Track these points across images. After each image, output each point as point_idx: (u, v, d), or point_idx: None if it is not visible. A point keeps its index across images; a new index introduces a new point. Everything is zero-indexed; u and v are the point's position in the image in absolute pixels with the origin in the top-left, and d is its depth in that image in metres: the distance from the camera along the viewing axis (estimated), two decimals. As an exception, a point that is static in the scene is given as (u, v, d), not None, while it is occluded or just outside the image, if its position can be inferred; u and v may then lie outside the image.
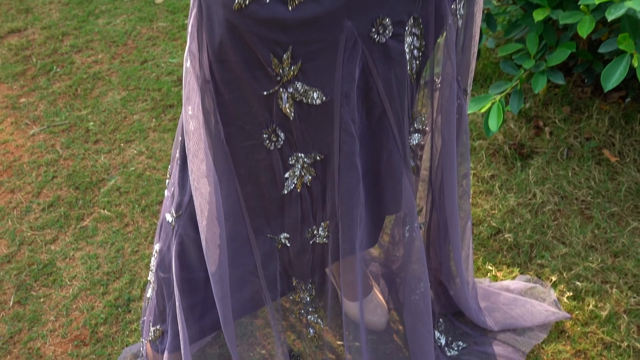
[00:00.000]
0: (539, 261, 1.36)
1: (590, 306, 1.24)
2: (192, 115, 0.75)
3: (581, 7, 1.26)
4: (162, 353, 0.99)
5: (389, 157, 0.82)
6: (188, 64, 0.70)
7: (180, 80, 2.12)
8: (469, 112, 1.44)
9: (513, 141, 1.69)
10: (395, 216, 1.05)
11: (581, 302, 1.26)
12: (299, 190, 0.80)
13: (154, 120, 1.93)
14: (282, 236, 0.86)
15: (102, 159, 1.78)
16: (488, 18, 1.44)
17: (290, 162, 0.77)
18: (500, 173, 1.60)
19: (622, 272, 1.32)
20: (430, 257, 1.15)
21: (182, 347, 0.90)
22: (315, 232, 0.87)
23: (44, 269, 1.44)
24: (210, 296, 0.89)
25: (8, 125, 1.95)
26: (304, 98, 0.70)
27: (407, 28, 0.71)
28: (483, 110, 1.38)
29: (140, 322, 1.14)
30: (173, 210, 0.87)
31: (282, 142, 0.75)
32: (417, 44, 0.75)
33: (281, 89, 0.69)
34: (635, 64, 1.18)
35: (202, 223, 0.81)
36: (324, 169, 0.79)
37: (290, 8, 0.61)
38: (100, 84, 2.13)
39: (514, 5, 1.55)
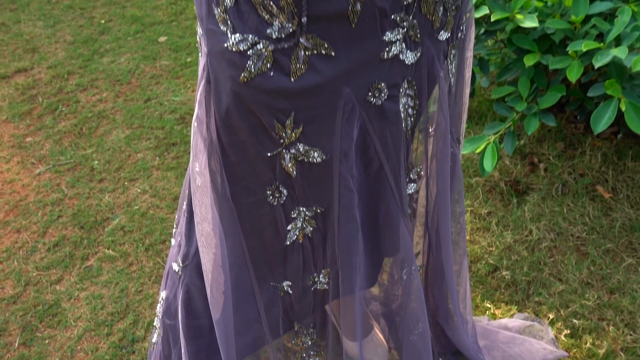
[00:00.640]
0: (537, 299, 1.39)
1: (588, 344, 1.27)
2: (199, 172, 0.79)
3: (570, 52, 1.32)
4: (168, 397, 1.00)
5: (386, 208, 0.86)
6: (196, 126, 0.74)
7: (182, 118, 2.17)
8: (464, 152, 1.49)
9: (509, 178, 1.73)
10: (393, 258, 1.08)
11: (578, 340, 1.28)
12: (300, 241, 0.84)
13: (157, 158, 1.97)
14: (284, 284, 0.90)
15: (107, 197, 1.81)
16: (481, 62, 1.49)
17: (293, 216, 0.81)
18: (496, 210, 1.64)
19: (618, 309, 1.34)
20: (428, 298, 1.18)
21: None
22: (316, 279, 0.90)
23: (49, 309, 1.46)
24: (215, 342, 0.92)
25: (14, 164, 2.00)
26: (305, 157, 0.74)
27: (401, 90, 0.76)
28: (478, 150, 1.42)
29: (145, 365, 1.16)
30: (180, 260, 0.90)
31: (284, 198, 0.78)
32: (412, 104, 0.79)
33: (284, 151, 0.73)
34: (623, 108, 1.23)
35: (207, 273, 0.84)
36: (324, 221, 0.82)
37: (292, 79, 0.66)
38: (104, 123, 2.18)
39: (505, 48, 1.61)
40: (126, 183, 1.87)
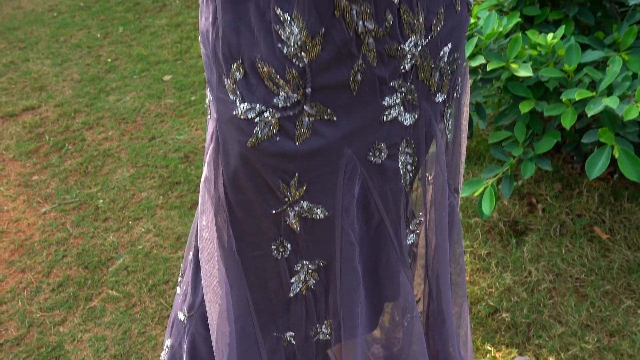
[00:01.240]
0: (537, 341, 1.40)
1: (588, 388, 1.27)
2: (206, 226, 0.81)
3: (564, 100, 1.36)
4: None
5: (387, 259, 0.89)
6: (204, 185, 0.78)
7: (186, 157, 2.21)
8: (463, 194, 1.52)
9: (507, 218, 1.75)
10: (393, 302, 1.10)
11: (579, 384, 1.29)
12: (303, 293, 0.86)
13: (161, 197, 2.00)
14: (287, 334, 0.92)
15: (111, 237, 1.84)
16: (478, 107, 1.54)
17: (296, 269, 0.84)
18: (496, 250, 1.66)
19: (618, 352, 1.35)
20: (429, 343, 1.19)
21: None
22: (318, 329, 0.92)
23: (53, 352, 1.47)
24: (219, 390, 0.93)
25: (21, 203, 2.03)
26: (308, 214, 0.77)
27: (400, 149, 0.79)
28: (476, 194, 1.45)
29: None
30: (185, 309, 0.92)
31: (288, 252, 0.81)
32: (410, 160, 0.82)
33: (288, 208, 0.76)
34: (616, 155, 1.26)
35: (213, 323, 0.86)
36: (326, 274, 0.85)
37: (297, 143, 0.69)
38: (110, 161, 2.22)
39: (501, 93, 1.65)
40: (130, 222, 1.90)
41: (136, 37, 3.31)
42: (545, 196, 1.80)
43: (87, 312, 1.58)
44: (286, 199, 0.75)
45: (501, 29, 1.42)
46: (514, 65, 1.37)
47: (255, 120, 0.68)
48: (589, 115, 1.24)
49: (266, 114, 0.68)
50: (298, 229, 0.78)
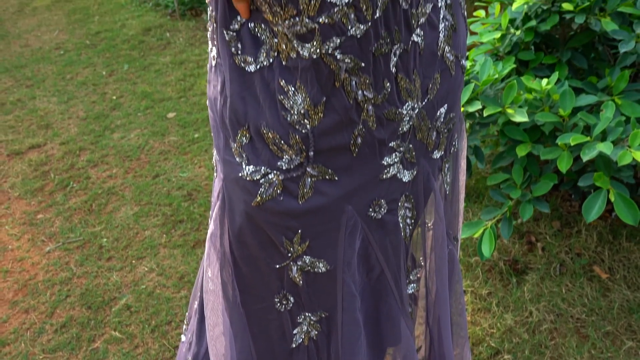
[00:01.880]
0: (539, 384, 1.40)
1: None
2: (211, 277, 0.84)
3: (559, 144, 1.39)
4: None
5: (388, 310, 0.90)
6: (210, 240, 0.81)
7: (189, 195, 2.24)
8: (462, 236, 1.54)
9: (507, 257, 1.77)
10: (394, 347, 1.11)
11: None
12: (306, 344, 0.88)
13: (164, 236, 2.02)
14: (290, 384, 0.93)
15: (114, 276, 1.85)
16: (476, 151, 1.57)
17: (299, 320, 0.85)
18: (496, 290, 1.67)
19: (621, 395, 1.35)
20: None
21: None
22: (321, 378, 0.94)
23: (55, 395, 1.47)
24: None
25: (25, 242, 2.05)
26: (310, 268, 0.79)
27: (399, 204, 0.82)
28: (476, 235, 1.47)
29: None
30: (190, 358, 0.94)
31: (291, 305, 0.83)
32: (410, 214, 0.85)
33: (291, 263, 0.78)
34: (612, 199, 1.29)
35: (216, 373, 0.88)
36: (328, 325, 0.87)
37: (300, 202, 0.72)
38: (114, 199, 2.25)
39: (498, 136, 1.69)
40: (133, 261, 1.92)
41: (141, 74, 3.38)
42: (544, 234, 1.82)
43: (90, 353, 1.58)
44: (289, 254, 0.77)
45: (497, 75, 1.47)
46: (510, 111, 1.40)
47: (260, 181, 0.71)
48: (584, 160, 1.27)
49: (270, 176, 0.71)
50: (301, 282, 0.80)
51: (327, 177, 0.73)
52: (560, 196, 1.93)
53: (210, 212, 0.80)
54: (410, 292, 0.97)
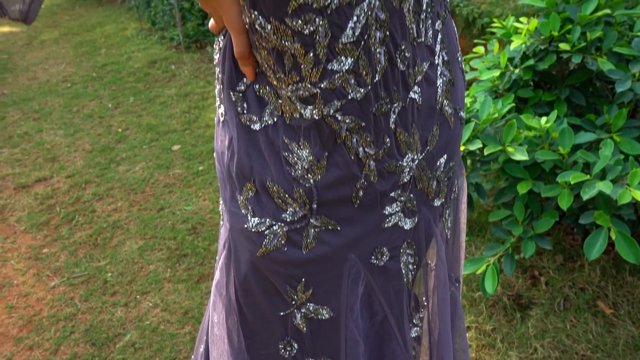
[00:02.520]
0: (545, 423, 1.39)
1: None
2: (217, 322, 0.85)
3: (560, 182, 1.41)
4: None
5: (392, 354, 0.91)
6: (216, 288, 0.82)
7: (193, 228, 2.25)
8: (465, 273, 1.55)
9: (511, 292, 1.77)
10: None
11: None
12: (310, 389, 0.88)
13: (169, 270, 2.03)
14: None
15: (119, 312, 1.85)
16: (477, 188, 1.59)
17: (303, 366, 0.86)
18: (501, 326, 1.67)
19: None
20: None
21: None
22: None
23: None
24: None
25: (30, 277, 2.06)
26: (314, 315, 0.80)
27: (401, 250, 0.84)
28: (479, 272, 1.48)
29: None
30: (194, 402, 0.94)
31: (295, 351, 0.84)
32: (412, 260, 0.86)
33: (295, 310, 0.79)
34: (613, 237, 1.30)
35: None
36: (333, 370, 0.87)
37: (304, 252, 0.74)
38: (119, 233, 2.27)
39: (499, 173, 1.71)
40: (138, 296, 1.92)
41: (146, 106, 3.43)
42: (547, 269, 1.82)
43: (93, 392, 1.58)
44: (293, 302, 0.78)
45: (496, 114, 1.50)
46: (510, 149, 1.43)
47: (265, 232, 0.73)
48: (584, 199, 1.29)
49: (275, 227, 0.73)
50: (304, 329, 0.81)
51: (330, 227, 0.74)
52: (562, 229, 1.94)
53: (217, 260, 0.81)
54: (413, 335, 0.98)
